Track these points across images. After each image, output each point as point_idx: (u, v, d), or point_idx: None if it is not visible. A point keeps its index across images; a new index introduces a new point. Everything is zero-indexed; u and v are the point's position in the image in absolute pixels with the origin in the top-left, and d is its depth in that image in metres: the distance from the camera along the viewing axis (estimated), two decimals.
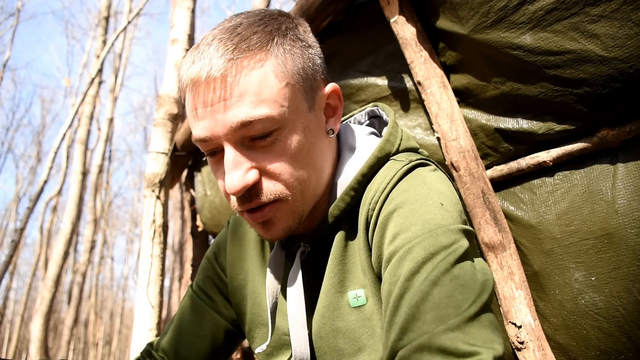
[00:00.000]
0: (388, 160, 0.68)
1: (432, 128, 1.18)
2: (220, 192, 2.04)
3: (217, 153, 0.63)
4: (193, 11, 2.34)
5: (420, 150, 0.74)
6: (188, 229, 2.49)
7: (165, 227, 1.94)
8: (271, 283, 0.71)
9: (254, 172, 0.60)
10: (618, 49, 0.81)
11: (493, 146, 1.08)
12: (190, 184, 2.46)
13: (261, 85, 0.58)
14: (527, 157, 1.02)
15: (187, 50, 2.20)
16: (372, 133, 0.77)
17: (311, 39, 0.67)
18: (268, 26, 0.62)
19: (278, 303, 0.73)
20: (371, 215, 0.63)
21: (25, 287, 15.35)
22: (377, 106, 0.81)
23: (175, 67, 2.12)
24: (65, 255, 6.24)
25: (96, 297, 16.87)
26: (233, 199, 0.64)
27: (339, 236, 0.67)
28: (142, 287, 1.81)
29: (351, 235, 0.67)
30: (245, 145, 0.60)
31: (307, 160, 0.63)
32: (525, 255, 1.02)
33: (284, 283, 0.73)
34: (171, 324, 0.86)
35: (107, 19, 8.54)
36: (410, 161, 0.66)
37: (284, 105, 0.60)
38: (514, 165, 1.04)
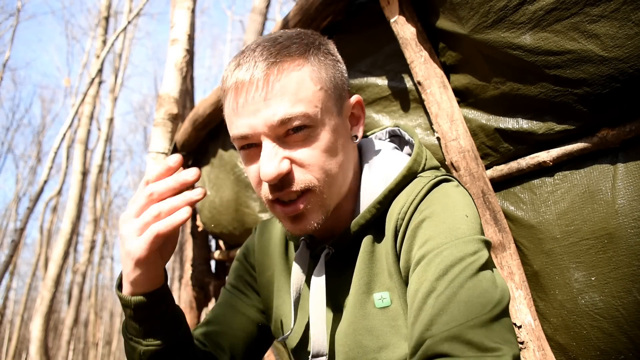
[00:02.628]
0: (414, 177, 0.75)
1: (432, 128, 1.18)
2: (219, 193, 2.04)
3: (253, 147, 0.69)
4: (193, 11, 2.34)
5: (440, 167, 0.81)
6: (188, 229, 2.49)
7: None
8: (296, 278, 0.78)
9: (287, 162, 0.67)
10: (618, 49, 0.81)
11: (493, 146, 1.08)
12: None
13: (299, 87, 0.66)
14: (527, 157, 1.02)
15: (187, 50, 2.20)
16: (395, 148, 0.84)
17: (339, 56, 0.76)
18: (304, 39, 0.70)
19: (302, 298, 0.80)
20: (400, 225, 0.69)
21: (25, 287, 15.35)
22: (398, 126, 0.87)
23: (175, 67, 2.12)
24: (65, 255, 6.24)
25: (96, 297, 16.86)
26: (265, 188, 0.69)
27: (366, 242, 0.73)
28: None
29: (377, 242, 0.73)
30: (281, 140, 0.67)
31: (334, 157, 0.69)
32: (525, 255, 1.02)
33: (307, 280, 0.80)
34: (206, 318, 0.91)
35: (107, 19, 8.54)
36: (436, 176, 0.72)
37: (317, 106, 0.67)
38: (514, 165, 1.04)
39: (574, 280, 0.93)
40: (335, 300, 0.76)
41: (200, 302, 2.35)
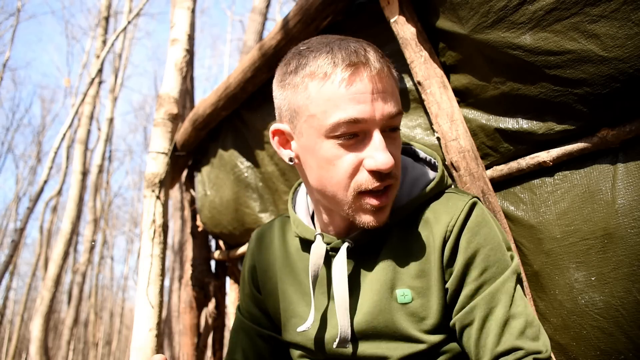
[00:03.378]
0: (442, 192, 0.82)
1: (432, 128, 1.18)
2: (219, 193, 2.04)
3: (353, 137, 0.70)
4: (193, 11, 2.33)
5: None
6: (188, 229, 2.49)
7: (165, 227, 1.94)
8: (313, 270, 0.81)
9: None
10: (618, 49, 0.81)
11: (493, 146, 1.08)
12: (190, 184, 2.46)
13: (396, 88, 0.74)
14: (527, 157, 1.02)
15: (187, 50, 2.20)
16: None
17: None
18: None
19: (317, 290, 0.83)
20: (448, 237, 0.76)
21: (25, 287, 15.34)
22: (409, 145, 0.91)
23: (175, 67, 2.12)
24: (65, 255, 6.24)
25: (96, 297, 16.86)
26: (362, 178, 0.71)
27: (390, 242, 0.79)
28: (142, 287, 1.80)
29: (401, 244, 0.79)
30: (383, 134, 0.71)
31: None
32: (525, 255, 1.02)
33: (323, 274, 0.83)
34: (232, 348, 0.98)
35: (107, 19, 8.54)
36: (473, 197, 0.80)
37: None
38: (514, 165, 1.04)
39: (574, 280, 0.93)
40: (353, 292, 0.80)
41: (200, 302, 2.35)
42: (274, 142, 0.81)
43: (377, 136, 0.69)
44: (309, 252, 0.85)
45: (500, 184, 1.09)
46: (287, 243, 0.92)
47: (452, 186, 0.85)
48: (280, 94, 0.77)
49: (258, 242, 0.97)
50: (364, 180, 0.71)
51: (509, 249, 0.78)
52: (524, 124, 1.01)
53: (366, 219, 0.74)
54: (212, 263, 2.48)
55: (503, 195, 1.08)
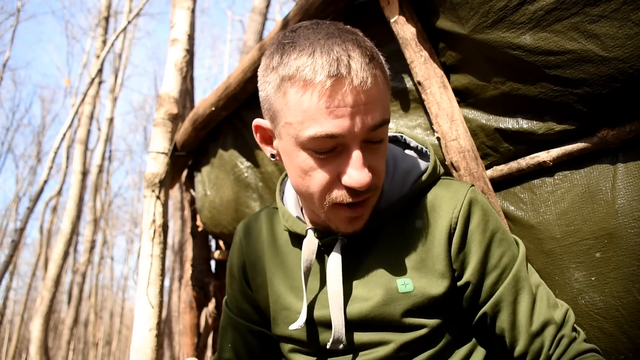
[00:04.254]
0: (437, 180, 0.83)
1: (432, 128, 1.18)
2: (219, 193, 2.04)
3: (329, 152, 0.67)
4: (193, 11, 2.33)
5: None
6: (188, 229, 2.49)
7: (165, 227, 1.94)
8: (305, 266, 0.78)
9: (367, 170, 0.68)
10: (618, 49, 0.81)
11: (493, 146, 1.08)
12: (190, 184, 2.46)
13: (384, 94, 0.68)
14: (527, 157, 1.02)
15: (187, 50, 2.20)
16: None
17: None
18: (366, 39, 0.70)
19: (309, 286, 0.82)
20: (455, 225, 0.76)
21: (25, 287, 15.34)
22: (401, 133, 0.92)
23: (175, 67, 2.12)
24: (65, 255, 6.24)
25: (96, 297, 16.87)
26: (337, 193, 0.69)
27: (387, 233, 0.79)
28: (142, 287, 1.80)
29: (399, 234, 0.79)
30: (363, 147, 0.67)
31: None
32: None
33: (314, 268, 0.82)
34: (222, 345, 0.98)
35: (107, 19, 8.54)
36: (470, 184, 0.81)
37: (390, 112, 0.70)
38: (514, 165, 1.04)
39: (574, 280, 0.93)
40: (347, 286, 0.78)
41: (200, 302, 2.35)
42: (257, 137, 0.78)
43: (354, 152, 0.66)
44: (299, 246, 0.83)
45: (500, 184, 1.09)
46: (276, 235, 0.90)
47: (444, 174, 0.86)
48: (262, 90, 0.73)
49: (245, 236, 0.95)
50: (340, 194, 0.69)
51: None
52: (524, 124, 1.01)
53: (341, 227, 0.74)
54: (212, 263, 2.48)
55: (503, 195, 1.08)
